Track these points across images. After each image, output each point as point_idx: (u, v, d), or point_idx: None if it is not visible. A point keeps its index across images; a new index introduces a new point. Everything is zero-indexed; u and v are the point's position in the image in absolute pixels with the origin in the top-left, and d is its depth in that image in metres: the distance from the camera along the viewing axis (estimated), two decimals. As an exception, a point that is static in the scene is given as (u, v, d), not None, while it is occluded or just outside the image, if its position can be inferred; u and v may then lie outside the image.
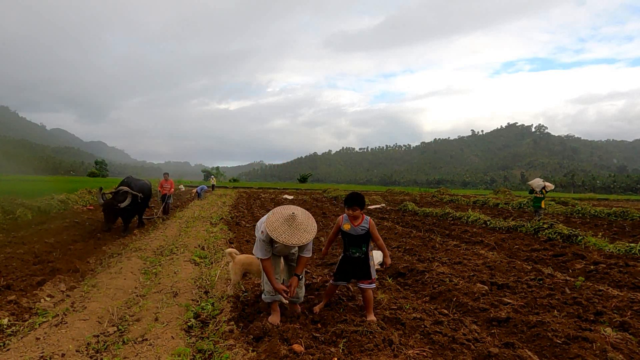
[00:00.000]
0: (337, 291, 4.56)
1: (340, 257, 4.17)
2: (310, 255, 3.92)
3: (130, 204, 9.46)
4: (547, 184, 12.48)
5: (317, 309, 4.16)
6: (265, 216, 3.94)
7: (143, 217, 11.72)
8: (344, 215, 4.03)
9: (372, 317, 3.96)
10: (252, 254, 4.57)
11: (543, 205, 12.67)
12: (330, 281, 4.27)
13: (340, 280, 4.11)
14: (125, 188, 9.63)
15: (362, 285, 4.00)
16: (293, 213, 3.61)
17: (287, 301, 4.02)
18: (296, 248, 3.92)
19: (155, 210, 13.63)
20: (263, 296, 3.95)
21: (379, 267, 6.30)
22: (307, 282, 4.95)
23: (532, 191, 12.78)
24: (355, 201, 3.88)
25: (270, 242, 3.71)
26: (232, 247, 5.81)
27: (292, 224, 3.54)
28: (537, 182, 12.56)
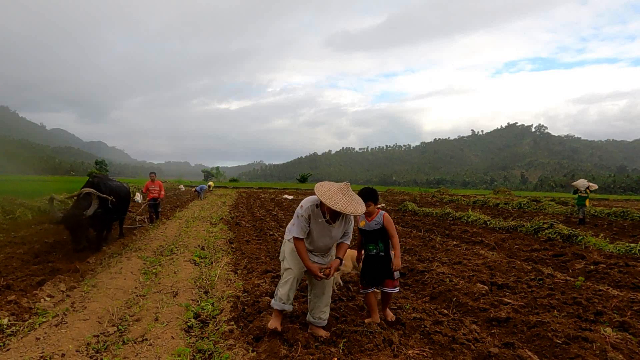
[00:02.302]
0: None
1: (362, 259, 4.08)
2: (350, 241, 3.72)
3: (99, 210, 7.13)
4: (590, 184, 13.34)
5: (368, 321, 3.84)
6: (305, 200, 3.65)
7: (124, 226, 9.95)
8: None
9: (390, 313, 3.98)
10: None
11: (587, 204, 13.54)
12: (360, 290, 4.09)
13: (368, 284, 3.93)
14: (89, 190, 7.25)
15: (386, 289, 3.90)
16: (346, 183, 3.46)
17: (321, 275, 3.53)
18: (337, 233, 3.62)
19: (139, 217, 12.06)
20: (273, 301, 3.63)
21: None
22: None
23: (576, 191, 13.51)
24: (367, 196, 3.77)
25: (309, 218, 3.49)
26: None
27: (347, 194, 3.33)
28: (581, 182, 13.41)
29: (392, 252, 3.87)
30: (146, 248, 7.76)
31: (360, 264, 4.15)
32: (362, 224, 3.89)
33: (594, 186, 13.52)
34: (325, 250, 3.73)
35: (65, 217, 6.91)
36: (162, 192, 11.93)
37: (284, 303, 3.55)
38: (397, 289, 3.94)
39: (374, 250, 3.87)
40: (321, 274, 3.44)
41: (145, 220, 11.91)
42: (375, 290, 3.99)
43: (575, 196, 13.76)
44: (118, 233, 9.47)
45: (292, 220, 3.66)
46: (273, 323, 3.55)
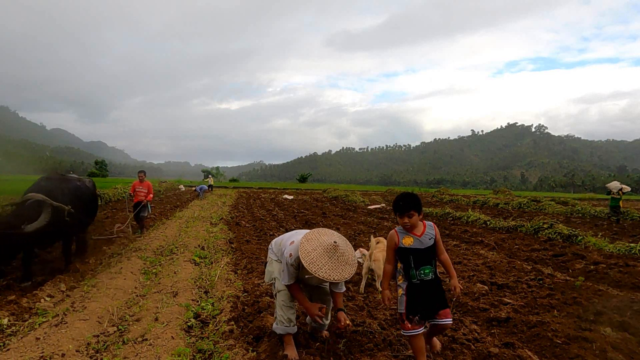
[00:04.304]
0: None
1: (404, 292, 2.98)
2: (344, 289, 3.40)
3: (47, 225, 5.04)
4: (623, 186, 13.94)
5: None
6: (286, 237, 3.51)
7: (93, 237, 7.98)
8: (396, 228, 3.03)
9: (438, 342, 3.29)
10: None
11: (621, 205, 14.07)
12: (406, 329, 2.92)
13: (422, 319, 2.92)
14: (39, 196, 5.25)
15: (442, 322, 2.95)
16: (335, 242, 2.99)
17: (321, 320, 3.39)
18: (327, 285, 3.43)
19: (117, 225, 9.53)
20: (275, 326, 3.35)
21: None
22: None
23: (609, 192, 14.03)
24: (411, 205, 2.90)
25: (299, 266, 3.16)
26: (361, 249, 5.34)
27: (334, 256, 2.94)
28: (614, 185, 14.00)
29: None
30: (146, 248, 7.76)
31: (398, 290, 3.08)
32: (408, 241, 2.93)
33: (627, 188, 13.99)
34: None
35: None
36: (151, 195, 9.99)
37: (286, 326, 3.28)
38: (451, 320, 3.04)
39: (430, 274, 2.93)
40: (319, 313, 3.29)
41: (128, 227, 9.64)
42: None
43: (609, 197, 14.19)
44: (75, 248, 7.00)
45: (282, 266, 3.35)
46: (290, 351, 3.20)
